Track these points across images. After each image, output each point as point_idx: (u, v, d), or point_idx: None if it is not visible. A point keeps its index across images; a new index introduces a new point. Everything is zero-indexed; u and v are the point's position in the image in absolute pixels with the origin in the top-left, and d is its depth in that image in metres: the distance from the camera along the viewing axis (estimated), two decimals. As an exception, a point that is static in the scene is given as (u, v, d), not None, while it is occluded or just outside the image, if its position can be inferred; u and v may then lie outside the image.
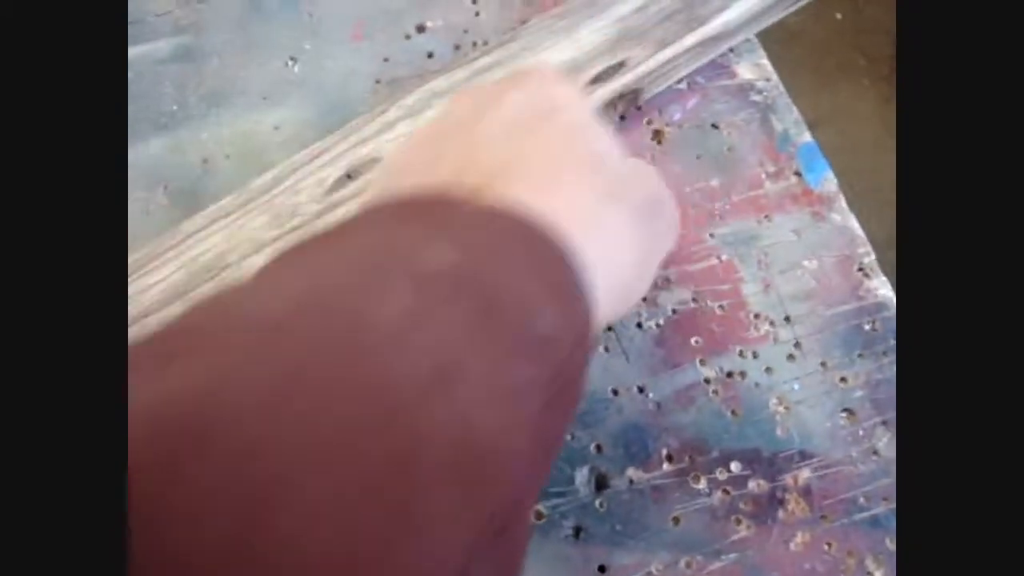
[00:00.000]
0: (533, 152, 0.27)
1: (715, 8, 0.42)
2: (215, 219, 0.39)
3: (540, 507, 0.36)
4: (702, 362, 0.38)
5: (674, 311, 0.39)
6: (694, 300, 0.39)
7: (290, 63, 0.45)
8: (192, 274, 0.38)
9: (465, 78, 0.41)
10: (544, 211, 0.24)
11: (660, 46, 0.41)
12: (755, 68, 0.44)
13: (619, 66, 0.41)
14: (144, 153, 0.44)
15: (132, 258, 0.39)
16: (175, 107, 0.45)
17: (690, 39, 0.41)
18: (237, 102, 0.45)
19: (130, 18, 0.47)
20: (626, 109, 0.41)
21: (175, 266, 0.39)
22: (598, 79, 0.41)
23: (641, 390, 0.38)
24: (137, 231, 0.42)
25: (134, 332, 0.38)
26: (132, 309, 0.38)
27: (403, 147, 0.30)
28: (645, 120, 0.42)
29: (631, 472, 0.36)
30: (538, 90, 0.29)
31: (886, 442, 0.38)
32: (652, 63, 0.41)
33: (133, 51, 0.46)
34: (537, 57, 0.41)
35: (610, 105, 0.41)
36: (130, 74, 0.46)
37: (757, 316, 0.39)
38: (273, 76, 0.45)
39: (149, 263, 0.39)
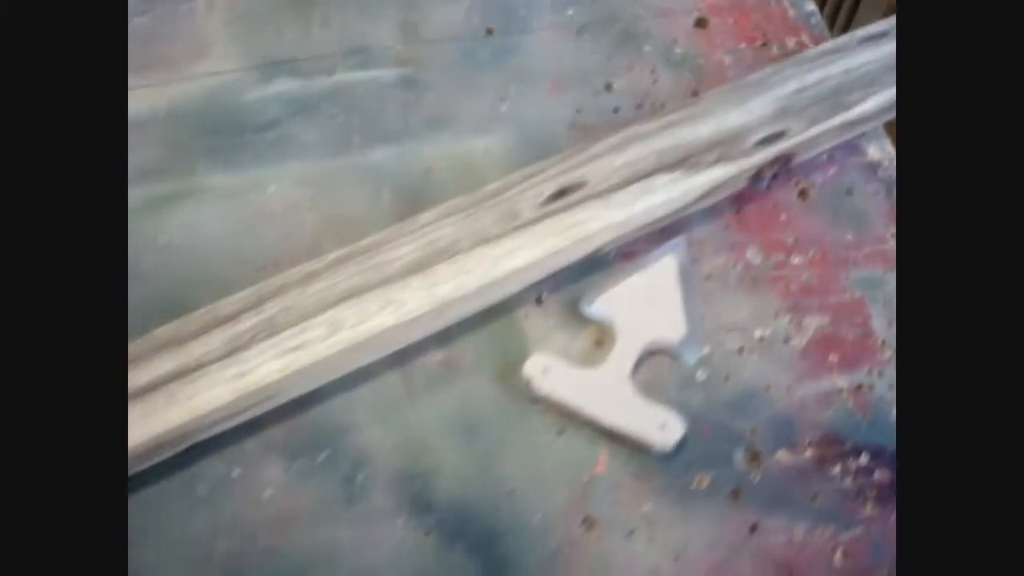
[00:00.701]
0: None
1: (856, 99, 0.52)
2: (448, 214, 0.48)
3: (704, 475, 0.44)
4: (838, 375, 0.47)
5: (815, 332, 0.48)
6: (831, 325, 0.48)
7: (498, 103, 0.55)
8: (429, 255, 0.46)
9: (657, 127, 0.50)
10: None
11: (812, 123, 0.51)
12: (881, 151, 0.54)
13: (780, 134, 0.51)
14: (370, 158, 0.53)
15: (372, 237, 0.47)
16: (399, 125, 0.54)
17: (836, 120, 0.51)
18: (453, 128, 0.54)
19: (357, 47, 0.57)
20: (779, 169, 0.51)
21: (413, 247, 0.47)
22: (762, 142, 0.50)
23: (788, 389, 0.46)
24: (363, 217, 0.50)
25: (372, 297, 0.45)
26: (374, 275, 0.46)
27: None
28: (793, 181, 0.52)
29: (780, 454, 0.44)
30: None
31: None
32: (805, 135, 0.51)
33: (361, 74, 0.56)
34: (715, 117, 0.51)
35: (768, 165, 0.50)
36: (358, 93, 0.55)
37: (883, 344, 0.48)
38: (484, 111, 0.54)
39: (389, 242, 0.47)
